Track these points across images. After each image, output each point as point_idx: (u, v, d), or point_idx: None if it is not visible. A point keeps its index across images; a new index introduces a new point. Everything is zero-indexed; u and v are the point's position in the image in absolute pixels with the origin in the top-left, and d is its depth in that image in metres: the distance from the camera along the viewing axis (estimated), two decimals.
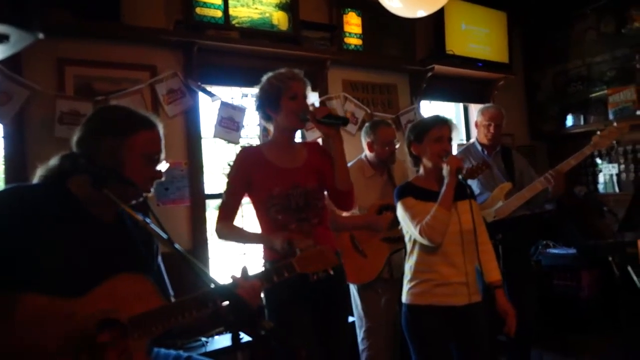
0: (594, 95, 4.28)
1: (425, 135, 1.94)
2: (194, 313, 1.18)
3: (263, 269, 1.37)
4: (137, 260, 1.30)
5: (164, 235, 1.14)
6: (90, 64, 2.56)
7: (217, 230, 1.86)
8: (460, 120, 4.45)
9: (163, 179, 1.33)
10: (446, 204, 1.82)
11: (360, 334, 2.61)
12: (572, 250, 3.82)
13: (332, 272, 1.41)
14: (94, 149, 1.24)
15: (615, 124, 2.69)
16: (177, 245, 1.09)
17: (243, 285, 1.23)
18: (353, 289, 2.61)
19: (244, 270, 1.29)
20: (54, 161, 1.28)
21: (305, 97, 1.86)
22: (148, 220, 1.20)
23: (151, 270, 1.32)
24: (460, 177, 1.84)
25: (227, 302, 1.09)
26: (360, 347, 2.60)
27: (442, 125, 1.95)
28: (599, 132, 2.68)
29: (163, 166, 1.33)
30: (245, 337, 2.47)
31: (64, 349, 1.09)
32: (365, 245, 2.54)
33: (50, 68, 2.46)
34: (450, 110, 4.48)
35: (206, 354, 2.32)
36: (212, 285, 1.11)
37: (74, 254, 1.18)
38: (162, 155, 1.34)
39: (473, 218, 1.86)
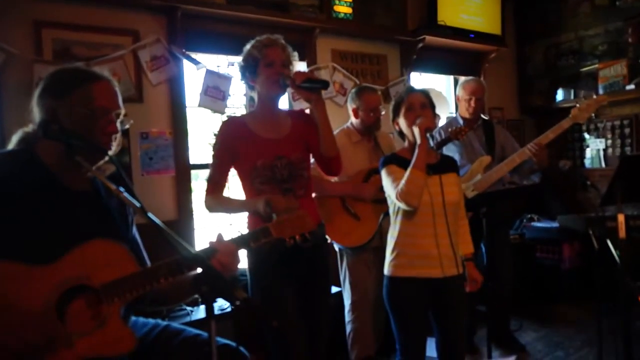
0: (584, 69, 4.26)
1: (400, 108, 1.95)
2: (168, 279, 1.17)
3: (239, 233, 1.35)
4: (109, 228, 1.28)
5: (137, 204, 1.12)
6: (69, 28, 2.47)
7: (205, 204, 1.87)
8: (451, 92, 4.41)
9: (119, 133, 1.30)
10: (419, 165, 1.81)
11: (346, 306, 2.65)
12: (555, 224, 3.89)
13: (309, 237, 1.41)
14: (41, 116, 1.22)
15: (594, 96, 2.68)
16: (150, 214, 1.07)
17: (219, 248, 1.23)
18: (344, 261, 2.64)
19: (220, 236, 1.28)
20: (19, 134, 1.27)
21: (283, 63, 1.82)
22: (122, 189, 1.18)
23: (125, 238, 1.30)
24: (428, 135, 1.82)
25: (199, 270, 1.08)
26: (347, 319, 2.65)
27: (411, 94, 1.95)
28: (577, 105, 2.67)
29: (124, 123, 1.30)
30: (227, 307, 2.50)
31: (36, 315, 1.08)
32: (357, 208, 2.54)
33: (27, 30, 2.37)
34: (441, 82, 4.44)
35: (190, 323, 2.35)
36: (187, 252, 1.10)
37: (44, 222, 1.17)
38: (116, 108, 1.29)
39: (458, 190, 1.88)
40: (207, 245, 1.26)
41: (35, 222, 1.16)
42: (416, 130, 1.84)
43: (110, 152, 1.25)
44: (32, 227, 1.15)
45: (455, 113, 3.17)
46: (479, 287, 1.97)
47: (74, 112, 1.22)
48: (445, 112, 3.86)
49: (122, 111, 1.32)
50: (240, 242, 1.32)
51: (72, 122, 1.22)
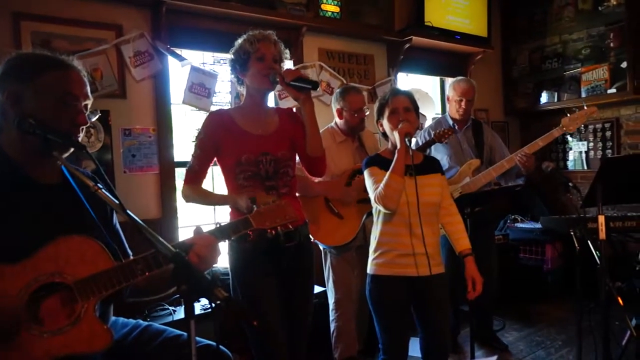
0: (568, 72, 4.32)
1: (384, 111, 1.96)
2: (145, 273, 1.14)
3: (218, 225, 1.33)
4: (82, 221, 1.24)
5: (116, 201, 1.09)
6: (50, 20, 2.41)
7: (182, 193, 1.85)
8: (437, 93, 4.44)
9: (88, 124, 1.26)
10: (398, 170, 1.82)
11: (330, 304, 2.65)
12: (538, 225, 3.93)
13: (291, 227, 1.39)
14: (5, 95, 1.17)
15: (585, 106, 2.73)
16: (128, 211, 1.05)
17: (196, 242, 1.20)
18: (328, 260, 2.63)
19: (198, 229, 1.26)
20: None
21: (275, 59, 1.81)
22: (100, 185, 1.14)
23: (100, 231, 1.26)
24: (407, 140, 1.82)
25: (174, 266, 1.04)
26: (331, 317, 2.65)
27: (395, 96, 1.95)
28: (568, 115, 2.72)
29: (93, 115, 1.27)
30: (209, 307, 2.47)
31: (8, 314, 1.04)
32: (341, 207, 2.54)
33: (5, 23, 2.30)
34: (428, 83, 4.46)
35: (172, 323, 2.32)
36: (163, 247, 1.06)
37: (13, 219, 1.13)
38: (84, 98, 1.25)
39: (438, 191, 1.88)
40: (184, 239, 1.23)
41: (3, 219, 1.12)
42: (396, 135, 1.86)
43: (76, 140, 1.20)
44: (3, 227, 1.11)
45: (445, 113, 3.17)
46: (480, 289, 1.92)
47: (41, 97, 1.17)
48: (432, 112, 3.88)
49: (91, 102, 1.27)
50: (219, 233, 1.29)
51: (37, 107, 1.17)
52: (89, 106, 1.27)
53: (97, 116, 2.44)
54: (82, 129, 1.25)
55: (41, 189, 1.21)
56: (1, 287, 1.05)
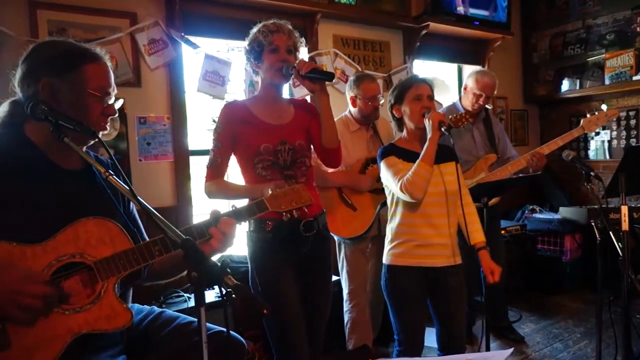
0: (591, 59, 4.19)
1: (405, 96, 1.91)
2: (162, 254, 1.16)
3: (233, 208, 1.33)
4: (103, 205, 1.26)
5: (127, 187, 1.09)
6: (65, 9, 2.42)
7: (205, 190, 1.82)
8: (454, 81, 4.35)
9: (116, 115, 1.27)
10: (428, 159, 1.78)
11: (344, 295, 2.64)
12: (557, 215, 3.86)
13: (307, 210, 1.39)
14: (35, 90, 1.18)
15: (604, 107, 2.70)
16: (139, 198, 1.05)
17: (213, 223, 1.21)
18: (342, 251, 2.63)
19: (215, 212, 1.26)
20: (3, 107, 1.23)
21: (289, 50, 1.78)
22: (111, 172, 1.15)
23: (121, 215, 1.28)
24: (443, 129, 1.78)
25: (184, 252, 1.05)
26: (345, 307, 2.65)
27: (420, 83, 1.91)
28: (588, 115, 2.69)
29: (117, 103, 1.28)
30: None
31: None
32: (354, 198, 2.53)
33: (21, 11, 2.32)
34: (445, 71, 4.38)
35: (187, 310, 2.34)
36: (173, 233, 1.07)
37: (35, 201, 1.15)
38: (112, 90, 1.27)
39: (458, 180, 1.84)
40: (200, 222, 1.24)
41: (26, 202, 1.14)
42: (429, 123, 1.81)
43: (106, 132, 1.22)
44: (23, 207, 1.13)
45: (456, 101, 3.08)
46: (497, 279, 1.86)
47: (76, 92, 1.19)
48: (448, 101, 3.80)
49: (116, 90, 1.29)
50: (235, 216, 1.29)
51: (71, 101, 1.18)
52: (113, 94, 1.28)
53: (120, 103, 2.47)
54: (110, 118, 1.27)
55: (64, 174, 1.23)
56: (25, 267, 1.07)
